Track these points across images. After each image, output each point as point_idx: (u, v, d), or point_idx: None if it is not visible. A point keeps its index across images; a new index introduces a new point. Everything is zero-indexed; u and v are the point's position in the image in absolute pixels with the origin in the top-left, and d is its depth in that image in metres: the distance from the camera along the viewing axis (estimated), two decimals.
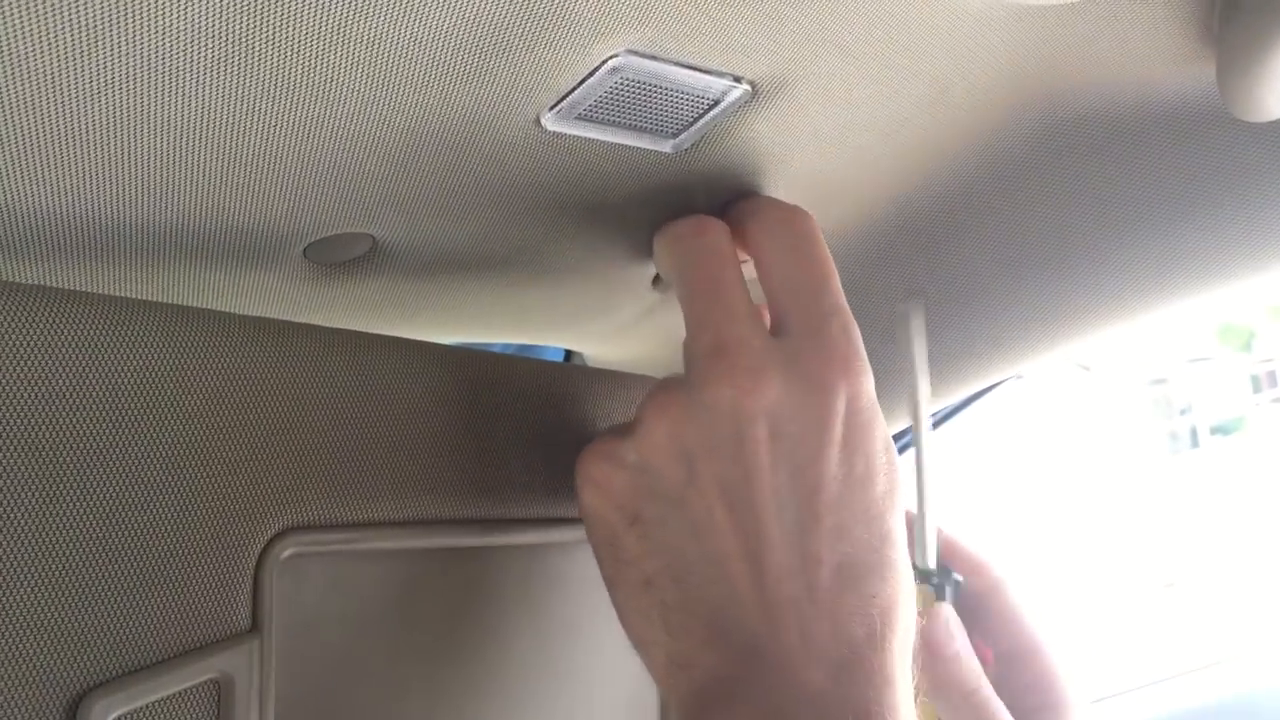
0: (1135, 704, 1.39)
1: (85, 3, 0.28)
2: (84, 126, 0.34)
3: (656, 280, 0.60)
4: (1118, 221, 0.56)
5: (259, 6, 0.30)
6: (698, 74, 0.40)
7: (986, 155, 0.53)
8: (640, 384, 0.55)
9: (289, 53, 0.32)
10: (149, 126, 0.35)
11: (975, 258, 0.60)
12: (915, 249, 0.61)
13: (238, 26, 0.30)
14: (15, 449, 0.34)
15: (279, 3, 0.30)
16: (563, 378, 0.52)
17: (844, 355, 0.43)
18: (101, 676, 0.35)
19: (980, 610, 0.66)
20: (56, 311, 0.36)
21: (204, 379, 0.39)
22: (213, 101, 0.34)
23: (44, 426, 0.35)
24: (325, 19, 0.31)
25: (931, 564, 0.63)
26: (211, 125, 0.35)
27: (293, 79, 0.34)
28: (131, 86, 0.32)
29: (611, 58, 0.37)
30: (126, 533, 0.36)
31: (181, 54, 0.31)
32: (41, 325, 0.36)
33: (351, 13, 0.31)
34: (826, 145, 0.47)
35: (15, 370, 0.35)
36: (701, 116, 0.42)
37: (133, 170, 0.37)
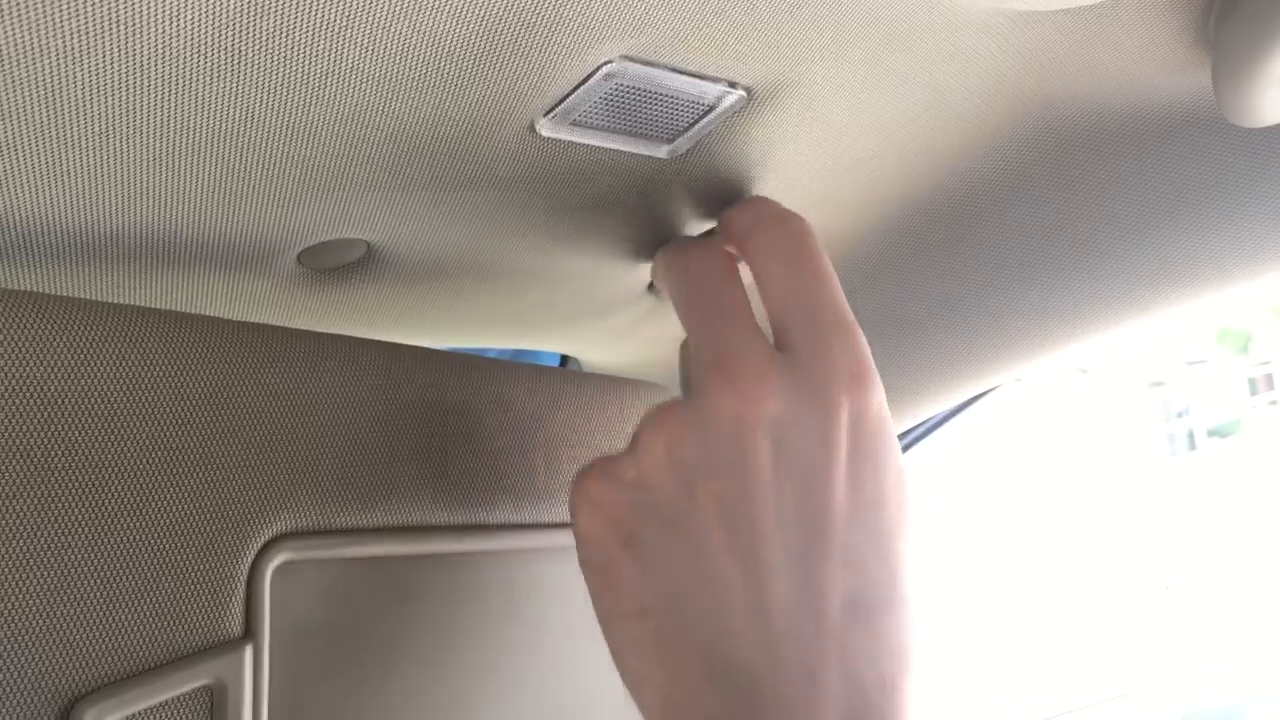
0: (1136, 707, 1.39)
1: (78, 9, 0.28)
2: (77, 132, 0.34)
3: (652, 285, 0.60)
4: (1115, 225, 0.56)
5: (252, 13, 0.30)
6: (693, 79, 0.40)
7: (983, 161, 0.53)
8: (635, 389, 0.55)
9: (282, 59, 0.32)
10: (142, 132, 0.34)
11: (973, 262, 0.60)
12: (913, 254, 0.61)
13: (231, 32, 0.30)
14: (7, 454, 0.34)
15: (272, 9, 0.30)
16: (557, 383, 0.52)
17: (850, 368, 0.40)
18: (93, 683, 0.35)
19: None
20: (49, 317, 0.36)
21: (197, 385, 0.39)
22: (206, 107, 0.34)
23: (36, 432, 0.35)
24: (319, 25, 0.31)
25: None
26: (204, 131, 0.35)
27: (286, 85, 0.33)
28: (124, 93, 0.32)
29: (606, 63, 0.37)
30: (119, 539, 0.36)
31: (174, 60, 0.31)
32: (34, 331, 0.35)
33: (345, 19, 0.31)
34: (822, 151, 0.47)
35: (7, 375, 0.35)
36: (696, 122, 0.42)
37: (126, 176, 0.37)
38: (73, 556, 0.35)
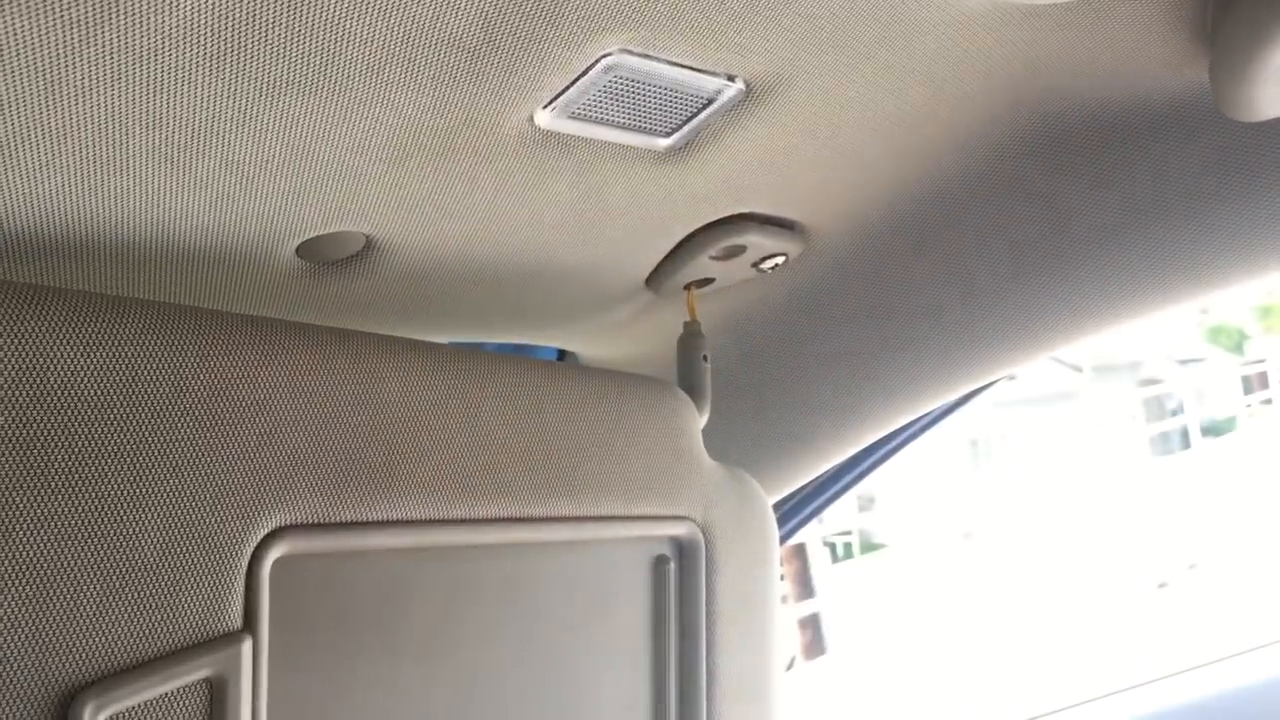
0: (1126, 703, 1.39)
1: (76, 1, 0.28)
2: (76, 124, 0.34)
3: (650, 279, 0.60)
4: (1111, 220, 0.56)
5: (251, 5, 0.30)
6: (692, 72, 0.40)
7: (981, 154, 0.53)
8: (635, 382, 0.55)
9: (281, 52, 0.32)
10: (141, 124, 0.34)
11: (970, 256, 0.60)
12: (907, 248, 0.61)
13: (230, 25, 0.30)
14: (6, 446, 0.34)
15: (271, 2, 0.30)
16: (556, 376, 0.52)
17: None
18: (92, 675, 0.35)
19: None
20: (47, 310, 0.36)
21: (196, 378, 0.39)
22: (204, 100, 0.34)
23: (36, 424, 0.35)
24: (318, 18, 0.31)
25: None
26: (203, 123, 0.35)
27: (285, 77, 0.33)
28: (123, 84, 0.32)
29: (605, 56, 0.37)
30: (119, 531, 0.36)
31: (174, 52, 0.31)
32: (34, 323, 0.35)
33: (344, 12, 0.31)
34: (820, 144, 0.47)
35: (7, 367, 0.34)
36: (695, 115, 0.42)
37: (124, 168, 0.37)
38: (72, 549, 0.35)
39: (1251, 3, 0.39)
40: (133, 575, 0.37)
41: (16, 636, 0.34)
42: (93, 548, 0.36)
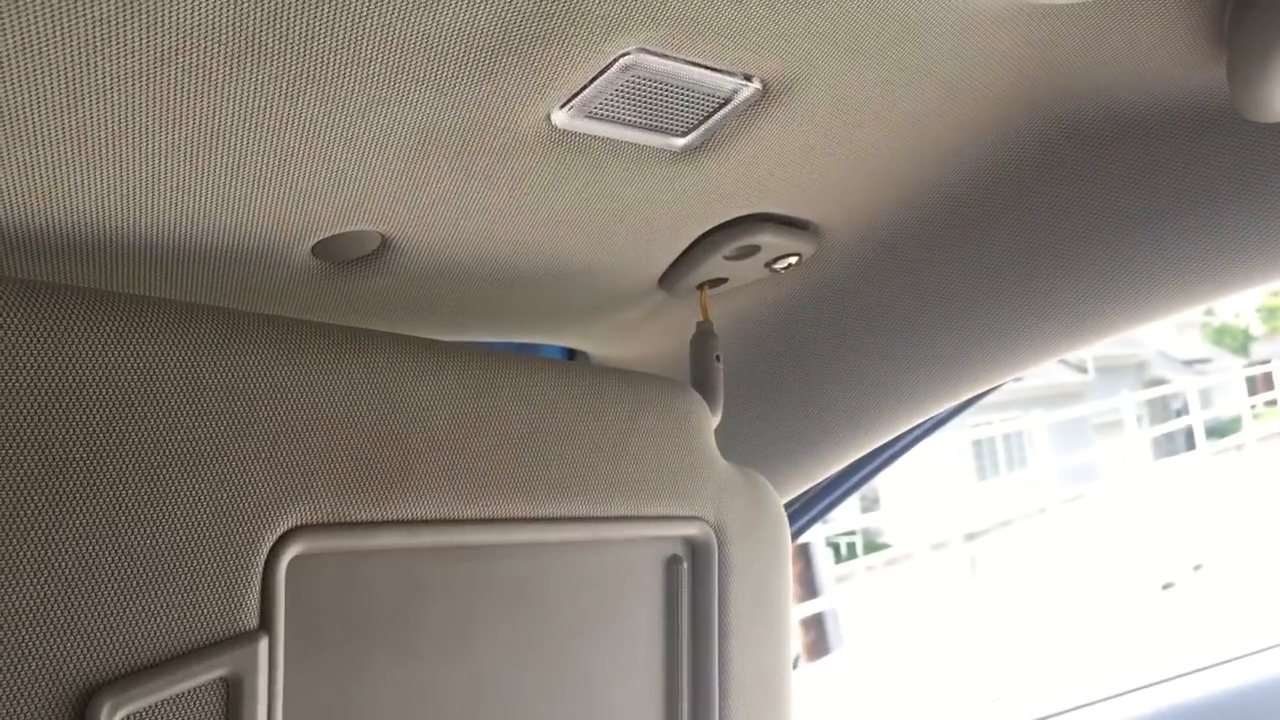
0: (1133, 704, 1.39)
1: (97, 0, 0.28)
2: (97, 122, 0.34)
3: (663, 279, 0.60)
4: (1126, 221, 0.56)
5: (272, 5, 0.30)
6: (709, 72, 0.40)
7: (995, 155, 0.53)
8: (649, 382, 0.55)
9: (300, 50, 0.32)
10: (160, 122, 0.34)
11: (984, 257, 0.60)
12: (924, 248, 0.61)
13: (249, 24, 0.30)
14: (26, 445, 0.34)
15: (293, 2, 0.30)
16: (570, 376, 0.52)
17: None
18: (110, 674, 0.35)
19: None
20: (68, 309, 0.36)
21: (212, 376, 0.39)
22: (224, 99, 0.34)
23: (54, 423, 0.35)
24: (337, 16, 0.31)
25: None
26: (221, 121, 0.35)
27: (305, 76, 0.33)
28: (144, 84, 0.32)
29: (623, 55, 0.37)
30: (136, 530, 0.36)
31: (194, 51, 0.31)
32: (53, 322, 0.35)
33: (364, 12, 0.31)
34: (835, 144, 0.47)
35: (27, 367, 0.34)
36: (712, 115, 0.42)
37: (143, 166, 0.37)
38: (91, 548, 0.35)
39: (1269, 3, 0.39)
40: (150, 574, 0.37)
41: (36, 634, 0.34)
42: (111, 546, 0.36)
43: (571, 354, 0.81)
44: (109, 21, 0.29)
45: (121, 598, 0.36)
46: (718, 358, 0.61)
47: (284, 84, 0.34)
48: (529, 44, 0.35)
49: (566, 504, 0.50)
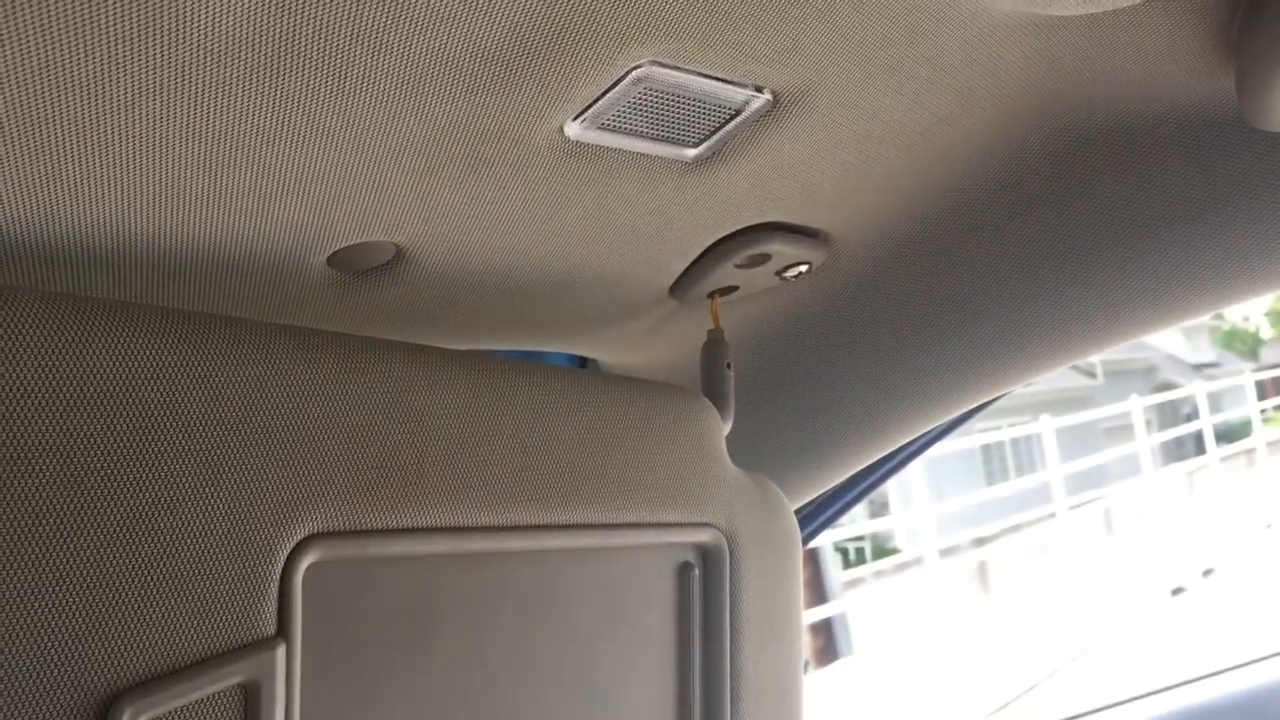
0: (1144, 709, 1.38)
1: (121, 16, 0.28)
2: (119, 136, 0.34)
3: (674, 287, 0.61)
4: (1135, 228, 0.56)
5: (290, 20, 0.30)
6: (720, 84, 0.40)
7: (1004, 164, 0.53)
8: (660, 390, 0.55)
9: (318, 65, 0.33)
10: (181, 136, 0.35)
11: (993, 265, 0.60)
12: (933, 256, 0.62)
13: (269, 40, 0.31)
14: (46, 453, 0.35)
15: (309, 16, 0.30)
16: (582, 384, 0.53)
17: None
18: (130, 680, 0.36)
19: None
20: (85, 319, 0.36)
21: (230, 385, 0.40)
22: (243, 112, 0.34)
23: (74, 431, 0.35)
24: (355, 31, 0.31)
25: None
26: (241, 135, 0.36)
27: (323, 91, 0.34)
28: (165, 97, 0.32)
29: (636, 68, 0.38)
30: (155, 537, 0.37)
31: (214, 65, 0.31)
32: (73, 332, 0.36)
33: (380, 25, 0.31)
34: (845, 153, 0.48)
35: (47, 376, 0.35)
36: (723, 126, 0.43)
37: (163, 179, 0.37)
38: (111, 556, 0.36)
39: (1278, 15, 0.39)
40: (170, 581, 0.37)
41: (57, 642, 0.34)
42: (131, 554, 0.36)
43: (583, 362, 0.81)
44: (131, 39, 0.29)
45: (141, 605, 0.36)
46: (729, 365, 0.62)
47: (303, 98, 0.34)
48: (543, 57, 0.35)
49: (579, 511, 0.50)
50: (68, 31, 0.29)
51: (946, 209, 0.57)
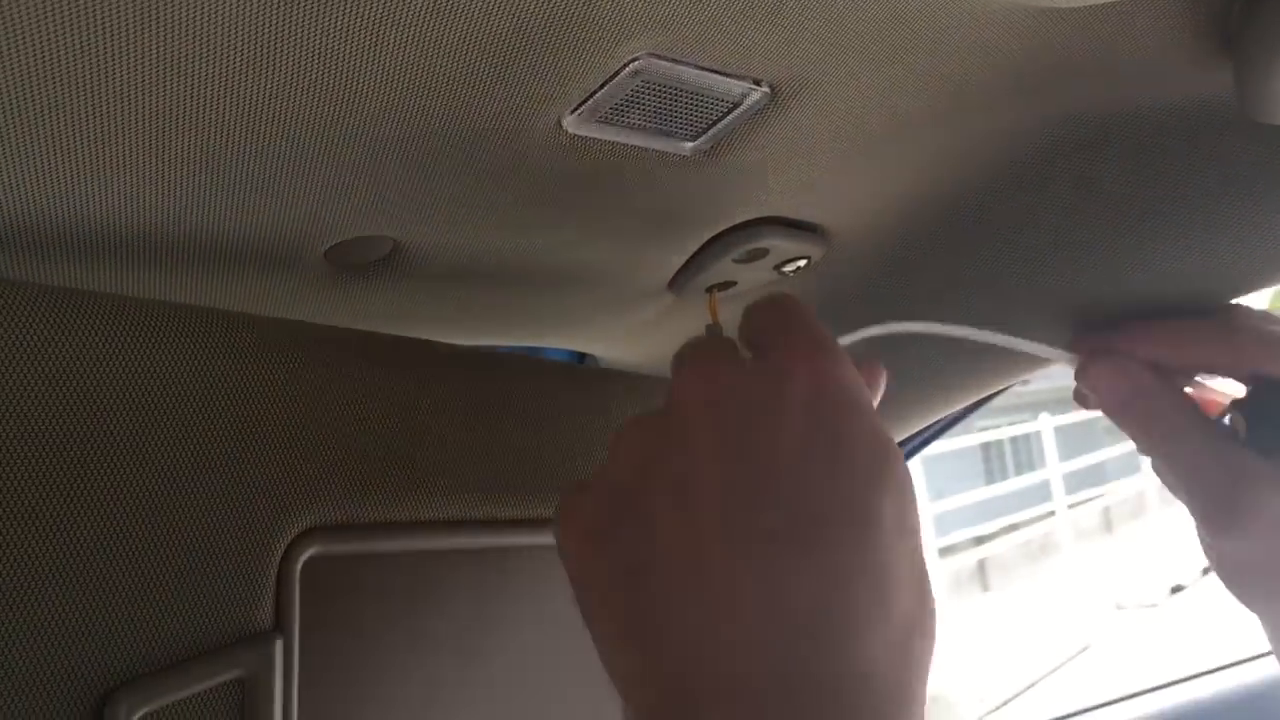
0: (1141, 706, 1.39)
1: (119, 8, 0.28)
2: (117, 128, 0.34)
3: (672, 282, 0.61)
4: (1134, 225, 0.56)
5: (288, 13, 0.30)
6: (718, 77, 0.40)
7: (1002, 157, 0.53)
8: (655, 385, 0.55)
9: (316, 58, 0.32)
10: (179, 128, 0.35)
11: (992, 260, 0.60)
12: (927, 252, 0.62)
13: (266, 32, 0.31)
14: (42, 448, 0.34)
15: (308, 9, 0.30)
16: (581, 379, 0.53)
17: (807, 342, 0.40)
18: (126, 675, 0.36)
19: None
20: (84, 313, 0.36)
21: (227, 379, 0.40)
22: (240, 105, 0.34)
23: (70, 425, 0.35)
24: (353, 25, 0.31)
25: None
26: (237, 128, 0.36)
27: (319, 84, 0.34)
28: (162, 89, 0.32)
29: (633, 61, 0.37)
30: (152, 532, 0.37)
31: (211, 57, 0.31)
32: (70, 327, 0.36)
33: (378, 19, 0.31)
34: (844, 147, 0.48)
35: (43, 370, 0.35)
36: (721, 119, 0.43)
37: (161, 172, 0.37)
38: (105, 549, 0.36)
39: (1276, 7, 0.39)
40: (166, 576, 0.37)
41: (54, 636, 0.34)
42: (127, 549, 0.36)
43: (581, 357, 0.81)
44: (130, 31, 0.29)
45: (138, 599, 0.36)
46: None
47: (301, 91, 0.34)
48: (541, 50, 0.35)
49: None
50: (64, 22, 0.28)
51: (946, 203, 0.57)
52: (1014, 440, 12.83)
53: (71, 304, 0.36)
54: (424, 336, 0.50)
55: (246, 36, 0.31)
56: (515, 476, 0.49)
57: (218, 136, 0.36)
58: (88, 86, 0.31)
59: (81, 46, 0.30)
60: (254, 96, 0.34)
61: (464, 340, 0.65)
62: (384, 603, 0.44)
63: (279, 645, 0.40)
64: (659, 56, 0.38)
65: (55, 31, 0.29)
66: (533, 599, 0.50)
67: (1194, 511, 0.55)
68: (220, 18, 0.30)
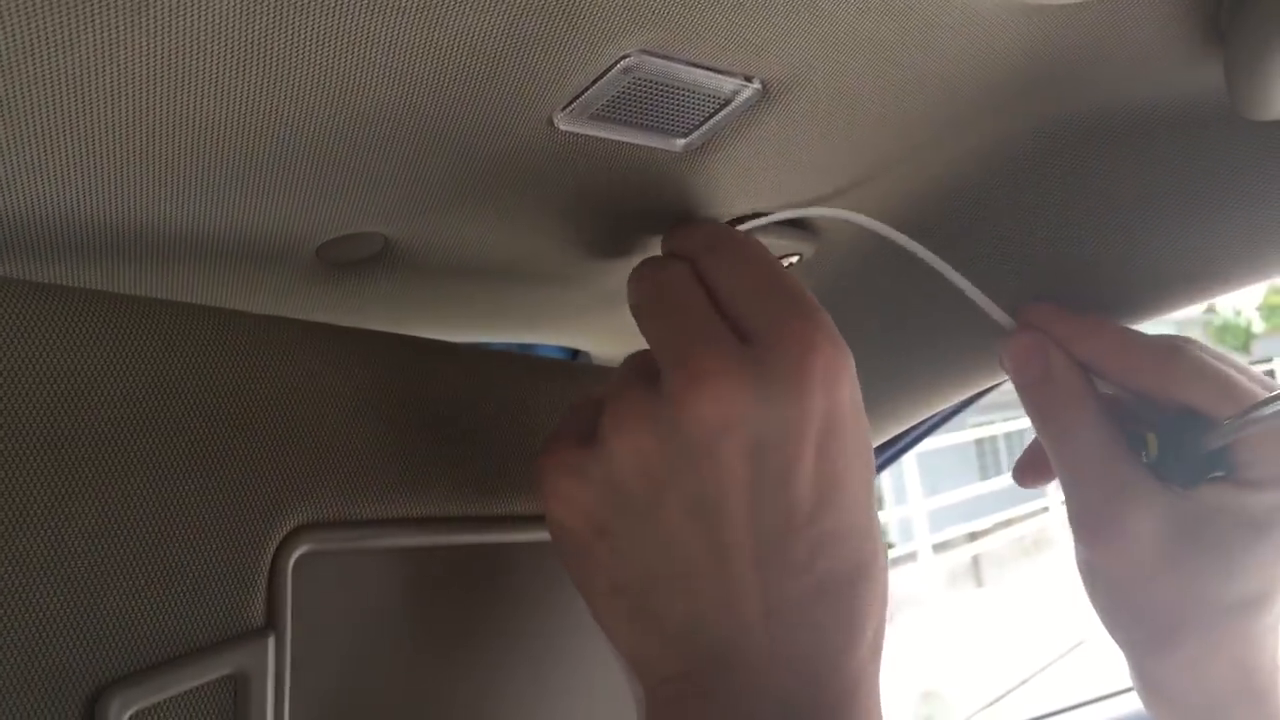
0: (1136, 701, 1.39)
1: (107, 6, 0.28)
2: (105, 127, 0.34)
3: None
4: (1126, 220, 0.56)
5: (277, 9, 0.30)
6: (709, 73, 0.40)
7: (994, 154, 0.53)
8: None
9: (306, 55, 0.32)
10: (167, 127, 0.35)
11: (984, 256, 0.61)
12: (924, 247, 0.62)
13: (255, 29, 0.31)
14: (33, 445, 0.34)
15: (296, 6, 0.30)
16: (573, 375, 0.53)
17: (823, 360, 0.40)
18: (118, 673, 0.36)
19: None
20: (74, 310, 0.36)
21: (218, 376, 0.40)
22: (230, 102, 0.34)
23: (61, 423, 0.35)
24: (342, 22, 0.31)
25: None
26: (228, 126, 0.35)
27: (309, 81, 0.34)
28: (151, 88, 0.32)
29: (624, 57, 0.37)
30: (143, 529, 0.37)
31: (200, 56, 0.31)
32: (60, 323, 0.36)
33: (368, 16, 0.31)
34: (835, 144, 0.48)
35: (34, 367, 0.35)
36: (712, 116, 0.43)
37: (151, 170, 0.37)
38: (98, 546, 0.35)
39: (1267, 2, 0.39)
40: (158, 572, 0.37)
41: (45, 633, 0.34)
42: (118, 545, 0.36)
43: (574, 354, 0.81)
44: (117, 27, 0.29)
45: (131, 596, 0.36)
46: None
47: (290, 88, 0.34)
48: (532, 48, 0.35)
49: None
50: (54, 23, 0.28)
51: (938, 200, 0.57)
52: (1008, 436, 12.87)
53: (59, 300, 0.36)
54: (416, 333, 0.50)
55: (235, 33, 0.31)
56: (509, 472, 0.49)
57: (206, 134, 0.36)
58: (75, 83, 0.31)
59: (69, 43, 0.30)
60: (243, 94, 0.34)
61: (456, 336, 0.65)
62: (377, 599, 0.44)
63: (271, 642, 0.40)
64: (650, 53, 0.38)
65: (40, 27, 0.29)
66: (526, 595, 0.50)
67: (1069, 514, 0.55)
68: (209, 14, 0.30)
